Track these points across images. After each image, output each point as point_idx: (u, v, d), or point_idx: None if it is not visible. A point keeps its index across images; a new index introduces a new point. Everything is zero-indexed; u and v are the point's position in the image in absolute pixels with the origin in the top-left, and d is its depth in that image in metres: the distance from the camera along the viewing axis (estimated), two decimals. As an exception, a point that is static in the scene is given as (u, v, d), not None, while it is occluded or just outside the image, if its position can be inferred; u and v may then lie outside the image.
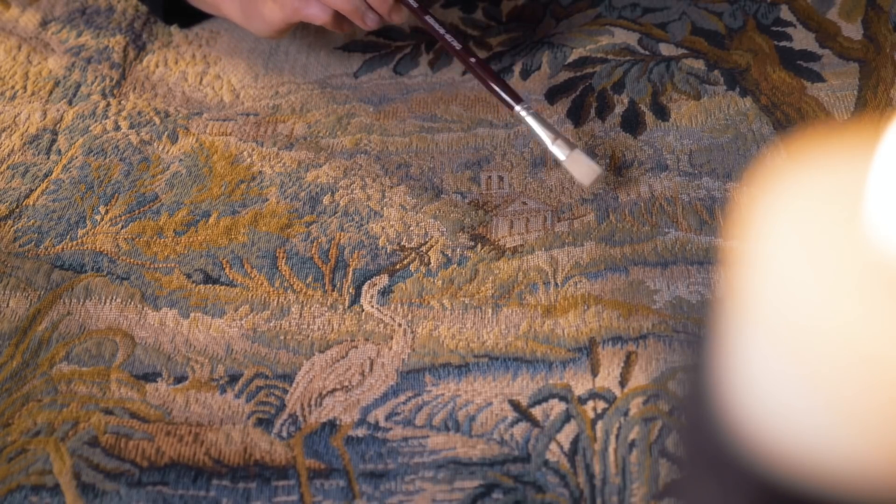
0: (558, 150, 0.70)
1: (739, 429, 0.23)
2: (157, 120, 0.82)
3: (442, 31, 0.77)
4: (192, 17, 0.90)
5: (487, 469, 0.55)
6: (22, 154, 0.79)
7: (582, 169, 0.69)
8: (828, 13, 0.89)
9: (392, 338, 0.63)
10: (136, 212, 0.73)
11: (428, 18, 0.77)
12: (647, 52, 0.86)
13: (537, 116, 0.71)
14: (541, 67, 0.85)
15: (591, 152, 0.73)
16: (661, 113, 0.80)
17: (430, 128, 0.80)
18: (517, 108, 0.72)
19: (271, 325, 0.65)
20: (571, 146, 0.69)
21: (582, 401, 0.58)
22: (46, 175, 0.77)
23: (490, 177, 0.75)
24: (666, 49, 0.86)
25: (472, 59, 0.76)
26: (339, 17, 0.77)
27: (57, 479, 0.56)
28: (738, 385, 0.24)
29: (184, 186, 0.75)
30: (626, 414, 0.58)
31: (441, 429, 0.58)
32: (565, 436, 0.57)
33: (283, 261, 0.69)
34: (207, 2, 0.84)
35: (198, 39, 0.91)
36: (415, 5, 0.78)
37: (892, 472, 0.21)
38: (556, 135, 0.70)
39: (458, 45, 0.76)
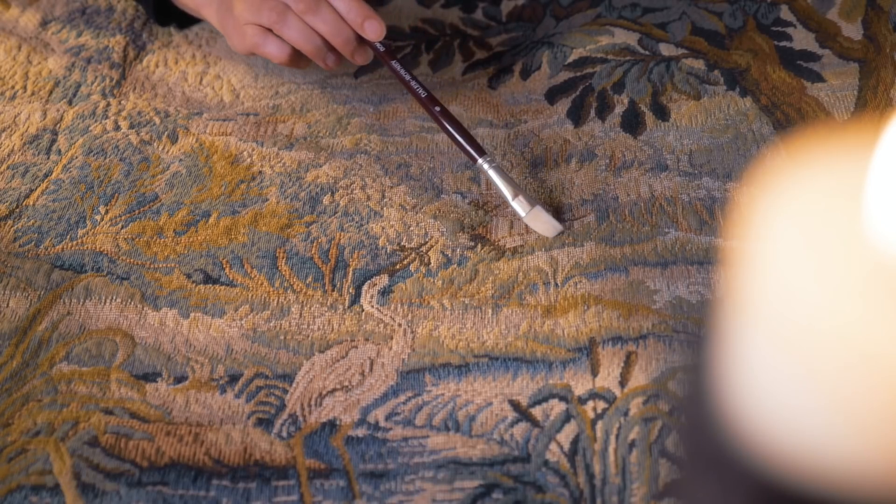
0: (518, 207, 0.69)
1: (739, 429, 0.23)
2: (157, 120, 0.82)
3: (408, 77, 0.75)
4: (186, 18, 0.90)
5: (487, 469, 0.55)
6: (22, 154, 0.79)
7: (543, 226, 0.69)
8: (828, 13, 0.89)
9: (392, 338, 0.63)
10: (136, 212, 0.73)
11: (394, 64, 0.76)
12: (647, 52, 0.86)
13: (499, 171, 0.70)
14: (541, 67, 0.85)
15: (552, 208, 0.71)
16: (661, 113, 0.80)
17: (430, 128, 0.80)
18: (480, 160, 0.71)
19: (271, 325, 0.65)
20: (532, 202, 0.69)
21: (582, 401, 0.58)
22: (46, 175, 0.77)
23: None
24: (666, 49, 0.86)
25: (437, 108, 0.74)
26: (297, 55, 0.77)
27: (57, 479, 0.56)
28: (738, 385, 0.24)
29: (184, 186, 0.75)
30: (626, 414, 0.58)
31: (441, 429, 0.58)
32: (565, 436, 0.57)
33: (283, 261, 0.69)
34: (189, 6, 0.84)
35: (198, 39, 0.91)
36: (381, 49, 0.76)
37: (892, 472, 0.21)
38: (518, 191, 0.69)
39: (423, 93, 0.74)
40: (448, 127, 0.73)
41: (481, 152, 0.71)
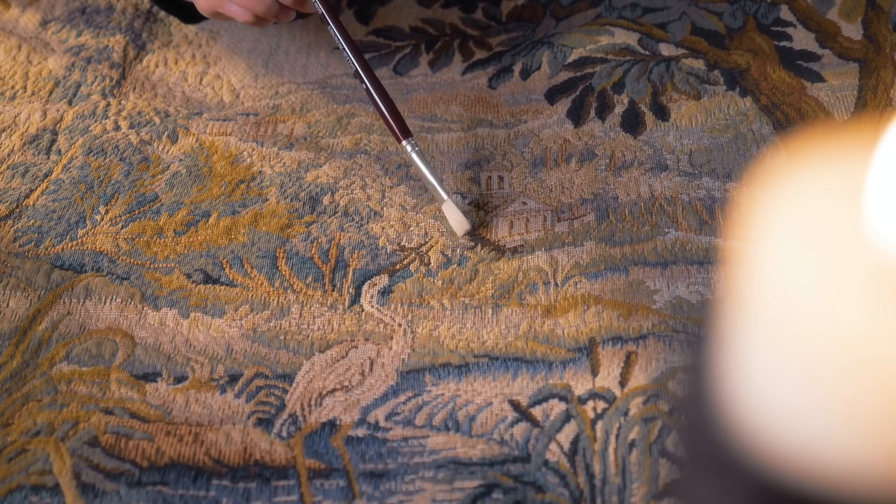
0: (439, 194, 0.70)
1: (739, 429, 0.23)
2: (157, 120, 0.82)
3: (342, 44, 0.74)
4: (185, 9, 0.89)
5: (487, 469, 0.55)
6: (22, 154, 0.79)
7: (454, 219, 0.69)
8: (828, 13, 0.89)
9: (392, 338, 0.63)
10: (136, 212, 0.73)
11: (330, 28, 0.74)
12: (647, 52, 0.86)
13: (422, 156, 0.70)
14: (541, 67, 0.85)
15: (464, 206, 0.72)
16: (661, 113, 0.80)
17: (430, 128, 0.80)
18: (404, 142, 0.71)
19: (271, 325, 0.65)
20: (448, 195, 0.69)
21: (582, 401, 0.58)
22: (46, 175, 0.77)
23: (490, 177, 0.75)
24: (666, 49, 0.86)
25: (365, 85, 0.72)
26: (258, 16, 0.76)
27: (57, 479, 0.56)
28: (738, 385, 0.24)
29: (184, 186, 0.75)
30: (626, 414, 0.58)
31: (441, 429, 0.58)
32: (565, 436, 0.57)
33: (283, 261, 0.69)
34: None
35: (198, 39, 0.91)
36: (322, 9, 0.75)
37: (892, 472, 0.21)
38: (438, 180, 0.70)
39: (353, 66, 0.73)
40: (378, 103, 0.72)
41: (407, 134, 0.71)
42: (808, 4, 0.90)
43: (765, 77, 0.82)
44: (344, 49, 0.74)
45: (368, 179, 0.75)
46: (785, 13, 0.89)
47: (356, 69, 0.73)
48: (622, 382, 0.59)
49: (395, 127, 0.71)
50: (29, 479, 0.56)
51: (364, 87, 0.73)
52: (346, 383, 0.61)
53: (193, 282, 0.68)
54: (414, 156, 0.70)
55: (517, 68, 0.86)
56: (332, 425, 0.58)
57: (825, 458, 0.22)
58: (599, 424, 0.57)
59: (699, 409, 0.25)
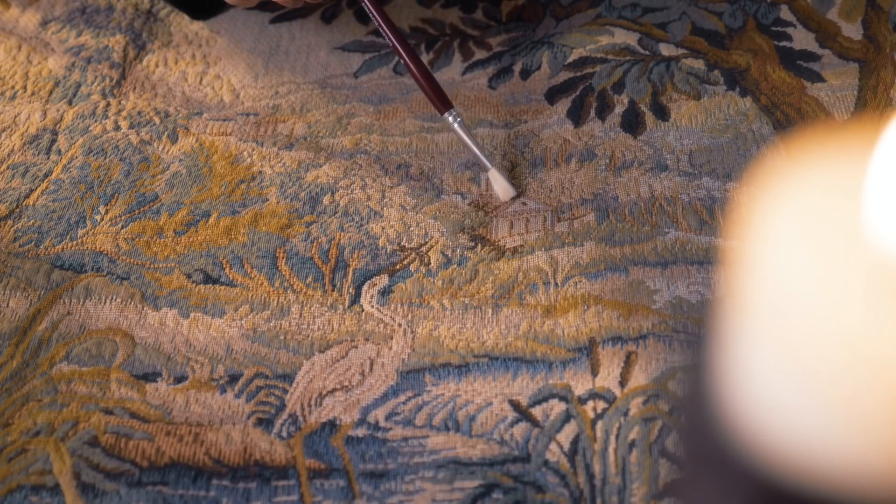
0: (485, 163, 0.73)
1: (739, 429, 0.23)
2: (157, 120, 0.82)
3: (378, 19, 0.75)
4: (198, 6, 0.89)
5: (487, 469, 0.55)
6: (22, 154, 0.79)
7: (500, 187, 0.72)
8: (828, 13, 0.89)
9: (392, 338, 0.63)
10: (136, 212, 0.73)
11: (365, 5, 0.75)
12: (647, 52, 0.86)
13: (464, 127, 0.73)
14: (541, 67, 0.85)
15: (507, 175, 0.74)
16: (661, 113, 0.80)
17: (430, 128, 0.80)
18: (445, 114, 0.73)
19: (271, 325, 0.65)
20: (491, 164, 0.72)
21: (582, 401, 0.58)
22: (46, 175, 0.77)
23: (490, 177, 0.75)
24: (666, 49, 0.86)
25: (402, 59, 0.74)
26: None
27: (57, 479, 0.56)
28: (738, 385, 0.24)
29: (184, 186, 0.75)
30: (626, 414, 0.58)
31: (441, 429, 0.58)
32: (565, 436, 0.57)
33: (283, 261, 0.69)
34: None
35: (198, 39, 0.91)
36: None
37: (892, 472, 0.21)
38: (481, 150, 0.73)
39: (391, 41, 0.75)
40: (417, 76, 0.74)
41: (448, 106, 0.73)
42: (808, 4, 0.90)
43: (765, 77, 0.82)
44: (380, 24, 0.75)
45: (368, 179, 0.75)
46: (785, 13, 0.89)
47: (393, 44, 0.75)
48: (622, 382, 0.59)
49: (435, 99, 0.73)
50: (29, 479, 0.56)
51: (402, 61, 0.75)
52: (346, 383, 0.61)
53: (193, 282, 0.68)
54: (456, 126, 0.73)
55: (517, 68, 0.86)
56: (332, 425, 0.58)
57: (825, 458, 0.22)
58: (599, 424, 0.57)
59: (699, 409, 0.25)
